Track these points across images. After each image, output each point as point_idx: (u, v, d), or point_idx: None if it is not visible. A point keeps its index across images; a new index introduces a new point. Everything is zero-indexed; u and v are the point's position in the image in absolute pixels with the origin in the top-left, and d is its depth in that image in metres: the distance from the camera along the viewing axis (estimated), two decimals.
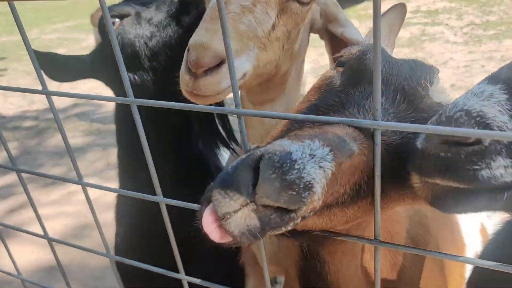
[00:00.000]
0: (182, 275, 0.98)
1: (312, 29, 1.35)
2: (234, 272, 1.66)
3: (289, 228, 0.61)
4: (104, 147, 4.95)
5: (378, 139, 0.62)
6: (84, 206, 3.99)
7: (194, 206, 0.88)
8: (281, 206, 0.57)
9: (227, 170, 0.61)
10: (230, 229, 0.58)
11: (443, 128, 0.55)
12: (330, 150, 0.61)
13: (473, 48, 6.41)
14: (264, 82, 1.20)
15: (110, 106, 6.02)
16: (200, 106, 0.78)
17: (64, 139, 0.95)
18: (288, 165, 0.57)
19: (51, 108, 0.89)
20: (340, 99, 0.75)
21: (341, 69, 0.82)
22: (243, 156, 0.61)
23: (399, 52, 6.29)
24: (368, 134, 0.67)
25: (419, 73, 0.75)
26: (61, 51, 8.55)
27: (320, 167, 0.59)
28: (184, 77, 0.97)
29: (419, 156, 0.59)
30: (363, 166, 0.66)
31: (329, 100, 0.76)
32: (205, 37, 0.94)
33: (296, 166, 0.57)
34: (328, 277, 0.98)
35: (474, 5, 8.19)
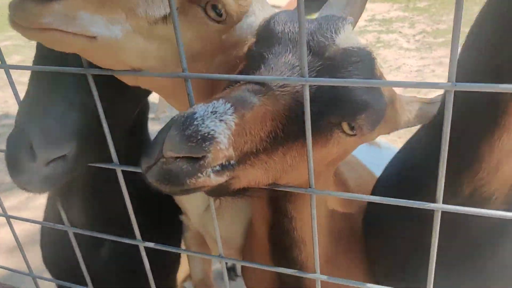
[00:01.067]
0: (138, 241, 1.03)
1: None
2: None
3: (212, 175, 0.72)
4: None
5: (307, 93, 0.71)
6: (42, 213, 3.92)
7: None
8: (185, 155, 0.69)
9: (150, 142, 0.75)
10: (150, 178, 0.73)
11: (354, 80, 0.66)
12: (231, 105, 0.73)
13: (425, 54, 6.74)
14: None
15: None
16: (150, 73, 0.85)
17: None
18: (188, 122, 0.70)
19: (10, 83, 0.92)
20: (258, 61, 0.85)
21: (254, 38, 0.92)
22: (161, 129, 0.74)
23: None
24: (268, 87, 0.78)
25: (326, 26, 0.85)
26: (16, 58, 8.36)
27: (221, 120, 0.71)
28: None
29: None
30: (270, 115, 0.77)
31: (251, 64, 0.87)
32: None
33: (195, 123, 0.70)
34: (295, 233, 1.08)
35: (425, 15, 8.60)
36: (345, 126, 0.82)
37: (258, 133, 0.76)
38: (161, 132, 0.73)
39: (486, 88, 0.63)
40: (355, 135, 0.84)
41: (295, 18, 0.89)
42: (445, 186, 0.71)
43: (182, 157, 0.70)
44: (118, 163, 0.95)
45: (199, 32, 0.92)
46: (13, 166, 0.89)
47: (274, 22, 0.89)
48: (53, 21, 0.74)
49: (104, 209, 1.36)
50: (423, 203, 0.75)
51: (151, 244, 1.03)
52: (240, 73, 0.90)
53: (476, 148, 0.93)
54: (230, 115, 0.72)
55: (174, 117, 0.74)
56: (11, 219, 1.16)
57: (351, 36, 0.85)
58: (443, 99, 1.03)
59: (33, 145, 0.86)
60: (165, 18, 0.85)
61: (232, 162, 0.74)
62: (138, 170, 0.89)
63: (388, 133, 1.02)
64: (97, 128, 0.92)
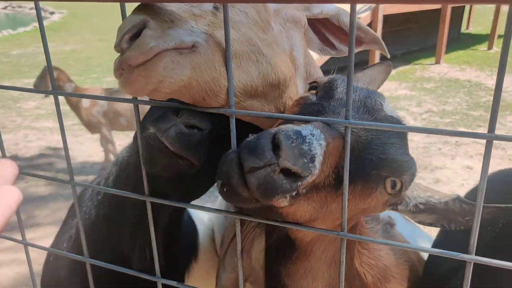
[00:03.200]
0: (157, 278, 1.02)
1: (300, 27, 1.16)
2: None
3: (288, 199, 0.74)
4: (66, 198, 4.87)
5: (349, 135, 0.74)
6: (38, 254, 3.85)
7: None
8: (296, 170, 0.70)
9: (248, 140, 0.76)
10: (251, 180, 0.71)
11: (399, 126, 0.70)
12: (321, 132, 0.76)
13: None
14: (274, 105, 1.06)
15: (78, 158, 6.00)
16: (197, 108, 0.89)
17: (63, 139, 1.01)
18: (301, 138, 0.72)
19: (56, 106, 0.97)
20: (317, 108, 0.92)
21: (313, 91, 0.99)
22: (258, 134, 0.76)
23: None
24: (335, 127, 0.82)
25: (376, 95, 0.95)
26: (32, 104, 8.56)
27: (320, 144, 0.74)
28: (115, 61, 0.85)
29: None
30: (341, 149, 0.79)
31: (308, 110, 0.93)
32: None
33: (307, 140, 0.73)
34: (297, 264, 1.04)
35: (432, 95, 8.86)
36: (388, 183, 0.86)
37: (331, 166, 0.78)
38: (260, 139, 0.73)
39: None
40: (392, 194, 0.89)
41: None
42: None
43: (286, 169, 0.70)
44: (149, 195, 0.97)
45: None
46: (160, 116, 0.94)
47: (336, 83, 0.96)
48: (156, 42, 0.78)
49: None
50: (456, 253, 0.75)
51: (169, 282, 1.02)
52: (297, 112, 0.96)
53: None
54: (323, 140, 0.75)
55: (268, 131, 0.74)
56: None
57: (392, 108, 0.96)
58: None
59: (181, 109, 0.94)
60: (216, 8, 0.89)
61: (304, 190, 0.76)
62: (166, 202, 0.95)
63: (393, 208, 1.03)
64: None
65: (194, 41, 0.82)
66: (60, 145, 6.00)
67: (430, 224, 1.00)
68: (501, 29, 12.25)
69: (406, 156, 0.88)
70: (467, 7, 14.21)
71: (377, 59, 9.58)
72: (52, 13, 19.31)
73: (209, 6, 0.88)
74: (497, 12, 11.81)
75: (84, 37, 14.94)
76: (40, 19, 0.92)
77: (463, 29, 14.75)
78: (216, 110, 0.85)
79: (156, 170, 0.99)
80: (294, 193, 0.73)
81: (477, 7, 15.67)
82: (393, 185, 0.87)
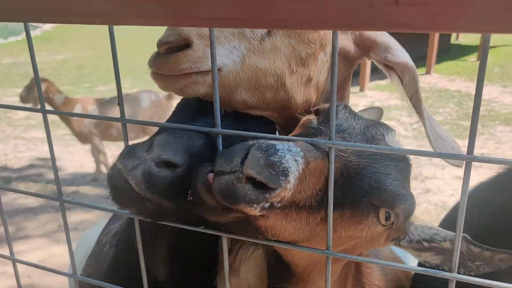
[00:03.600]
0: None
1: (348, 60, 1.19)
2: None
3: (258, 209, 0.73)
4: (57, 209, 4.84)
5: (332, 156, 0.76)
6: (27, 268, 3.81)
7: None
8: (262, 180, 0.70)
9: (228, 149, 0.78)
10: (214, 185, 0.73)
11: (381, 147, 0.71)
12: (301, 150, 0.76)
13: (421, 142, 6.92)
14: (281, 115, 1.12)
15: (68, 168, 5.96)
16: (178, 125, 0.90)
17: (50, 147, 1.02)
18: (272, 150, 0.73)
19: (45, 123, 0.97)
20: (315, 132, 0.93)
21: (317, 116, 1.00)
22: (245, 143, 0.77)
23: None
24: (324, 149, 0.81)
25: (379, 126, 0.95)
26: (22, 114, 8.51)
27: (295, 160, 0.75)
28: (150, 57, 0.97)
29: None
30: (325, 172, 0.79)
31: (306, 132, 0.95)
32: None
33: (279, 153, 0.73)
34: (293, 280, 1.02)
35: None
36: (382, 213, 0.84)
37: (311, 187, 0.78)
38: (234, 147, 0.76)
39: (505, 163, 0.68)
40: (386, 226, 0.86)
41: (354, 112, 1.00)
42: None
43: (252, 179, 0.71)
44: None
45: (302, 37, 1.04)
46: (127, 152, 0.87)
47: (337, 110, 0.97)
48: (190, 65, 0.93)
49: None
50: (439, 271, 0.77)
51: None
52: (297, 134, 0.98)
53: None
54: (301, 158, 0.76)
55: (248, 141, 0.76)
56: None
57: (396, 140, 0.95)
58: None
59: (154, 141, 0.87)
60: (269, 32, 0.99)
61: (279, 205, 0.76)
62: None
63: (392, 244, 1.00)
64: None
65: (222, 64, 0.95)
66: (49, 155, 5.96)
67: (437, 266, 0.95)
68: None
69: (401, 189, 0.85)
70: None
71: (368, 68, 9.66)
72: None
73: (262, 31, 0.99)
74: None
75: (76, 46, 14.92)
76: (28, 33, 0.91)
77: (452, 40, 14.93)
78: (203, 129, 0.86)
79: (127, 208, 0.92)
80: (265, 204, 0.74)
81: None
82: (387, 217, 0.85)
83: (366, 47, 1.17)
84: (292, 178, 0.73)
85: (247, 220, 0.77)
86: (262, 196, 0.72)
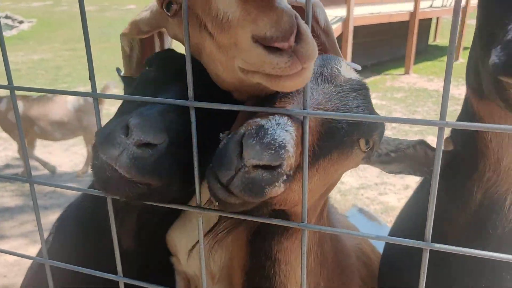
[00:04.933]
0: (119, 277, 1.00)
1: None
2: None
3: (282, 185, 0.77)
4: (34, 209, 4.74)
5: (307, 126, 0.75)
6: (4, 268, 3.73)
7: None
8: (266, 163, 0.73)
9: (219, 149, 0.79)
10: (234, 190, 0.74)
11: (355, 115, 0.71)
12: (288, 119, 0.79)
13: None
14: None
15: (45, 169, 5.85)
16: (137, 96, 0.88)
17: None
18: (263, 132, 0.75)
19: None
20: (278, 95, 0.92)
21: None
22: (229, 136, 0.79)
23: None
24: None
25: (330, 61, 0.97)
26: None
27: (286, 130, 0.77)
28: (272, 61, 0.71)
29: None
30: (313, 131, 0.84)
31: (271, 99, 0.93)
32: (279, 6, 0.69)
33: (269, 132, 0.75)
34: (277, 278, 1.03)
35: (402, 104, 9.06)
36: (362, 143, 0.92)
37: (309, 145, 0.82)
38: (227, 145, 0.77)
39: (473, 127, 0.69)
40: (366, 151, 0.94)
41: None
42: (457, 197, 0.82)
43: (258, 165, 0.73)
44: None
45: None
46: (106, 139, 0.84)
47: None
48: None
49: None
50: (414, 241, 0.77)
51: (130, 280, 1.00)
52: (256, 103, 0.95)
53: (475, 148, 1.07)
54: (291, 126, 0.78)
55: (238, 131, 0.77)
56: None
57: (349, 70, 0.99)
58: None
59: (130, 124, 0.84)
60: None
61: (291, 172, 0.79)
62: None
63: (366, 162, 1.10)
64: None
65: None
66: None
67: (400, 173, 1.07)
68: (466, 41, 12.67)
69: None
70: (434, 19, 14.65)
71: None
72: (21, 22, 18.92)
73: None
74: (462, 25, 12.22)
75: (53, 46, 14.69)
76: None
77: (430, 41, 15.17)
78: (174, 101, 0.84)
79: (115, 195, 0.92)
80: (284, 177, 0.77)
81: (443, 20, 16.17)
82: (367, 144, 0.93)
83: None
84: (290, 147, 0.76)
85: (261, 205, 0.81)
86: (276, 172, 0.75)
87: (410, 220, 1.37)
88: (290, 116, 0.79)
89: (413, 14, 10.70)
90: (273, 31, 0.68)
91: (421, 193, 1.37)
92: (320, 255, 1.12)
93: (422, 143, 1.09)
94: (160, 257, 1.43)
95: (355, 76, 0.98)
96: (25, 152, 1.01)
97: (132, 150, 0.83)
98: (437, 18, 15.00)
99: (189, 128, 0.85)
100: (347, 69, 0.98)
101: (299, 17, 0.71)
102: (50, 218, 4.45)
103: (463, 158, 1.07)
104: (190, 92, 0.81)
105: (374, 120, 0.80)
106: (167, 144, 0.87)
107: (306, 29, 0.71)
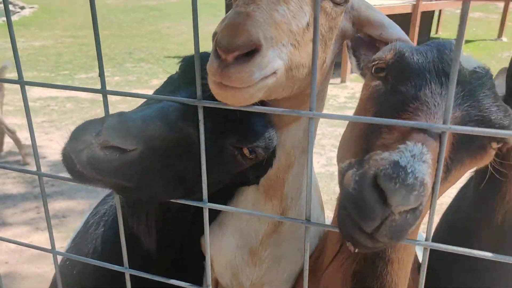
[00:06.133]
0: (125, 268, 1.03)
1: (343, 39, 1.23)
2: None
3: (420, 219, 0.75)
4: (36, 196, 4.77)
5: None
6: (5, 255, 3.76)
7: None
8: (412, 207, 0.69)
9: (352, 194, 0.73)
10: (382, 239, 0.71)
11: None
12: (422, 144, 0.74)
13: None
14: (294, 97, 1.07)
15: (48, 156, 5.88)
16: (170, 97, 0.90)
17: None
18: (402, 172, 0.69)
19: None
20: (397, 98, 0.88)
21: (381, 74, 0.95)
22: (355, 178, 0.73)
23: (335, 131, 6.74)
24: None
25: (444, 53, 0.90)
26: None
27: (424, 162, 0.72)
28: (212, 66, 0.84)
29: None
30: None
31: (390, 105, 0.89)
32: (237, 19, 0.83)
33: (409, 170, 0.70)
34: (388, 277, 1.01)
35: None
36: (494, 144, 0.90)
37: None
38: (362, 192, 0.71)
39: (478, 132, 0.70)
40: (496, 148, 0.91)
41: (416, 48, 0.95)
42: (482, 217, 0.86)
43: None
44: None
45: (329, 23, 1.05)
46: (77, 133, 0.87)
47: (404, 58, 0.92)
48: (259, 73, 0.85)
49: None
50: (414, 241, 0.79)
51: (136, 272, 1.02)
52: (376, 110, 0.94)
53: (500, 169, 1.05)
54: (426, 154, 0.73)
55: (367, 171, 0.72)
56: None
57: (467, 56, 0.91)
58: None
59: (104, 124, 0.85)
60: (308, 25, 0.96)
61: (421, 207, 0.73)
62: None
63: None
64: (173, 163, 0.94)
65: (277, 68, 0.89)
66: (29, 142, 5.86)
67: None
68: (468, 34, 12.61)
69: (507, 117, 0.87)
70: (437, 12, 14.57)
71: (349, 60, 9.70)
72: (22, 7, 18.79)
73: (304, 22, 0.95)
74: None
75: (55, 33, 14.62)
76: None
77: (432, 34, 15.10)
78: (182, 100, 0.86)
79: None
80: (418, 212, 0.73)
81: (446, 12, 16.08)
82: (498, 142, 0.88)
83: (361, 26, 1.21)
84: (428, 179, 0.71)
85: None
86: (417, 212, 0.71)
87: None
88: (422, 140, 0.75)
89: (415, 6, 10.64)
90: (224, 41, 0.81)
91: (457, 199, 1.43)
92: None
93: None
94: (188, 259, 1.46)
95: (476, 63, 0.89)
96: (34, 145, 1.03)
97: (94, 149, 0.85)
98: (440, 11, 14.91)
99: (172, 140, 0.89)
100: (464, 58, 0.89)
101: (264, 55, 0.84)
102: (52, 205, 4.49)
103: (492, 176, 1.08)
104: (198, 92, 0.83)
105: (365, 121, 0.79)
106: (140, 152, 0.88)
107: (258, 68, 0.84)
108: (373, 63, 0.99)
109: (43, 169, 4.86)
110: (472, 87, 0.86)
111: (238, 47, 0.81)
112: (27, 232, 4.12)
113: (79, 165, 0.85)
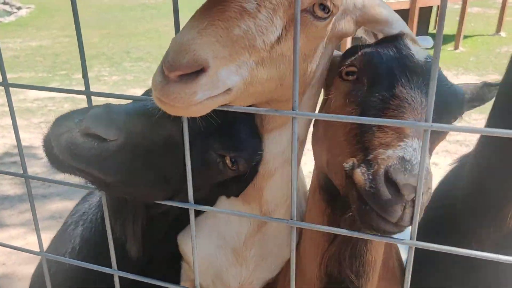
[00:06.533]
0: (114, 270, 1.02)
1: (341, 38, 1.19)
2: None
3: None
4: (34, 197, 4.76)
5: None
6: (2, 256, 3.76)
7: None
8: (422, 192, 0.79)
9: (371, 192, 0.83)
10: (405, 224, 0.82)
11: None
12: (418, 139, 0.83)
13: None
14: (270, 104, 1.07)
15: (44, 157, 5.87)
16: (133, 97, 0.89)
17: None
18: (409, 165, 0.80)
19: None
20: (377, 98, 0.95)
21: (351, 77, 1.03)
22: (369, 178, 0.84)
23: None
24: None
25: (404, 48, 1.03)
26: None
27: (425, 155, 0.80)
28: (155, 79, 0.83)
29: None
30: None
31: (369, 104, 0.96)
32: (186, 37, 0.82)
33: (414, 162, 0.80)
34: (367, 254, 1.08)
35: None
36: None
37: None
38: (379, 189, 0.81)
39: (459, 130, 0.70)
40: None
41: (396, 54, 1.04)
42: (491, 221, 0.90)
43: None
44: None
45: (309, 36, 1.00)
46: (60, 118, 0.87)
47: (374, 62, 1.01)
48: (204, 94, 0.83)
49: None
50: (399, 239, 0.79)
51: (126, 274, 1.02)
52: (359, 111, 0.99)
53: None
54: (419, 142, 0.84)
55: (377, 171, 0.83)
56: None
57: (417, 49, 1.05)
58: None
59: (88, 112, 0.85)
60: (278, 39, 0.93)
61: None
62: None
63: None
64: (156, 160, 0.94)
65: (232, 85, 0.87)
66: (26, 143, 5.86)
67: None
68: (466, 30, 12.59)
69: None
70: (435, 8, 14.56)
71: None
72: (19, 8, 18.77)
73: (273, 39, 0.92)
74: (462, 13, 12.13)
75: (52, 33, 14.59)
76: None
77: (430, 29, 15.09)
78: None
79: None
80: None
81: None
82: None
83: (365, 24, 1.20)
84: (429, 167, 0.84)
85: None
86: (427, 197, 0.86)
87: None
88: (416, 134, 0.83)
89: (413, 2, 10.62)
90: (169, 58, 0.81)
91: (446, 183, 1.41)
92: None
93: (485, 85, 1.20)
94: (164, 260, 1.46)
95: (422, 52, 1.02)
96: (20, 147, 1.02)
97: (74, 135, 0.84)
98: (438, 6, 14.89)
99: (154, 136, 0.89)
100: (415, 50, 1.02)
101: (209, 75, 0.82)
102: (49, 207, 4.48)
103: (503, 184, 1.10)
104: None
105: (356, 121, 0.81)
106: (120, 143, 0.87)
107: (203, 89, 0.82)
108: (344, 67, 1.04)
109: (40, 170, 4.85)
110: (428, 76, 0.94)
111: (181, 66, 0.79)
112: (23, 233, 4.12)
113: (56, 149, 0.84)
